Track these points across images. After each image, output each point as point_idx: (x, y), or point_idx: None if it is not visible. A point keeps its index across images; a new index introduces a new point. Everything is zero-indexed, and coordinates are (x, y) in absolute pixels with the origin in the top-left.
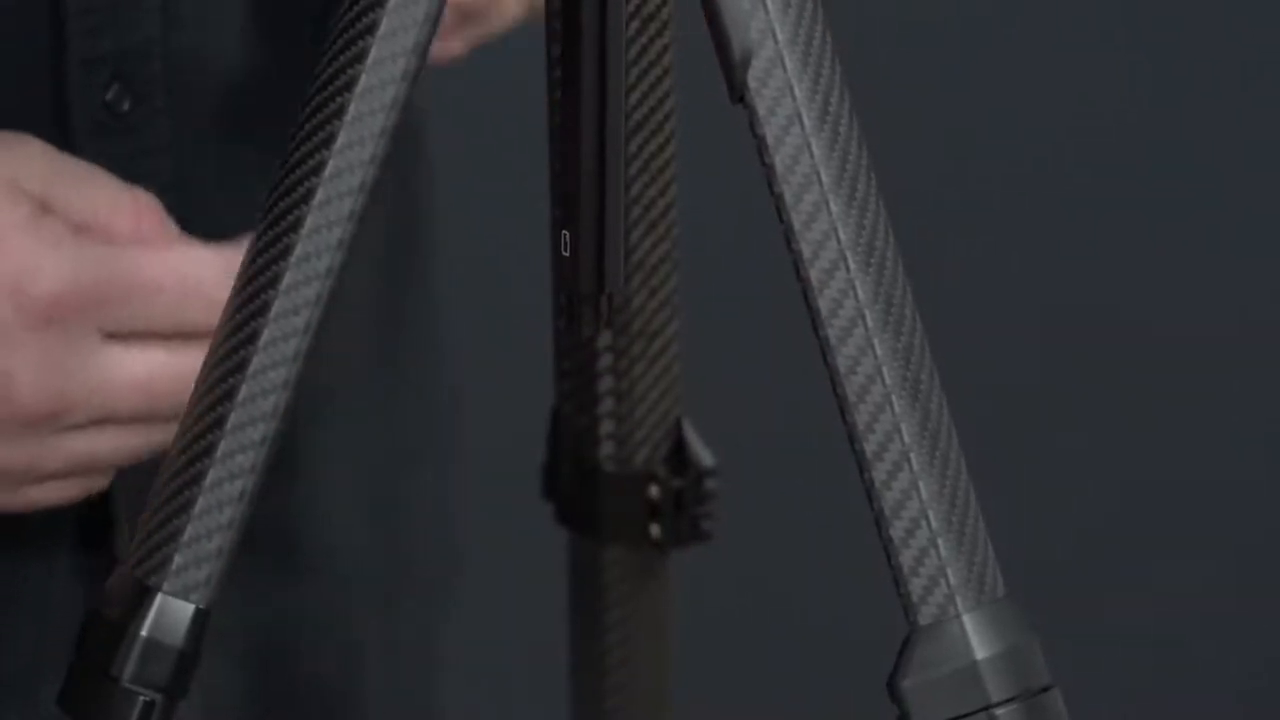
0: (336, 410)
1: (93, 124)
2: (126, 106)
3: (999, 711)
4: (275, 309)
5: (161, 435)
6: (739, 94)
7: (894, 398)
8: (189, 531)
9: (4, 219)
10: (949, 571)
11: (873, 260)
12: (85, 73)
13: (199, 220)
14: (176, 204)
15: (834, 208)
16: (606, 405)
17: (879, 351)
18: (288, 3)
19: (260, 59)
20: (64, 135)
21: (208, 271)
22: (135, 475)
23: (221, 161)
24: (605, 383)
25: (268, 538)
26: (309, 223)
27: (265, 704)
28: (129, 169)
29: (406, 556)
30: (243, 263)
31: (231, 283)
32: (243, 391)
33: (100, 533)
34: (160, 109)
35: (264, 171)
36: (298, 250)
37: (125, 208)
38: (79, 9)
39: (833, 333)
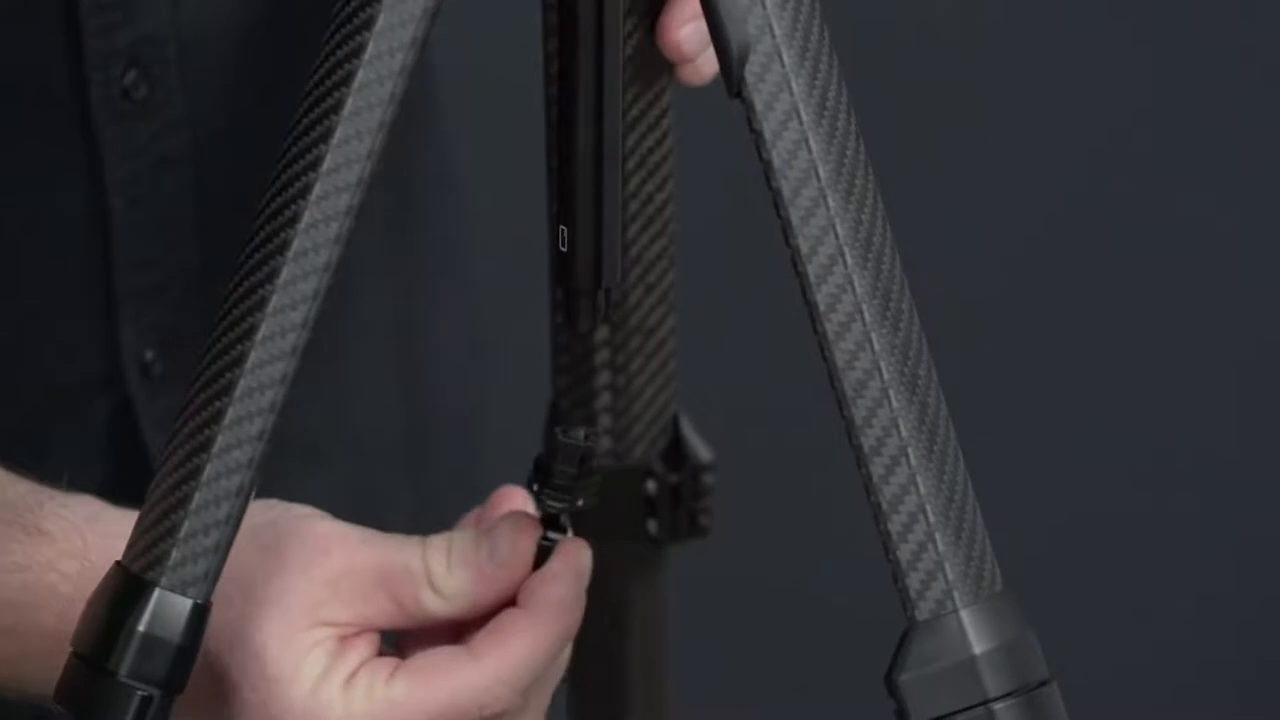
0: (357, 291)
1: (113, 111)
2: (144, 92)
3: (997, 706)
4: (273, 304)
5: None
6: (736, 89)
7: (892, 392)
8: (186, 527)
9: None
10: (947, 566)
11: (870, 255)
12: (104, 66)
13: (214, 192)
14: (197, 176)
15: (832, 202)
16: (604, 400)
17: (877, 346)
18: None
19: (265, 28)
20: (86, 125)
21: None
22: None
23: (236, 133)
24: (602, 378)
25: (296, 424)
26: (306, 218)
27: None
28: (150, 148)
29: (429, 424)
30: (241, 256)
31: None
32: (240, 387)
33: None
34: (175, 89)
35: (270, 138)
36: (295, 245)
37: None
38: (94, 6)
39: (830, 327)
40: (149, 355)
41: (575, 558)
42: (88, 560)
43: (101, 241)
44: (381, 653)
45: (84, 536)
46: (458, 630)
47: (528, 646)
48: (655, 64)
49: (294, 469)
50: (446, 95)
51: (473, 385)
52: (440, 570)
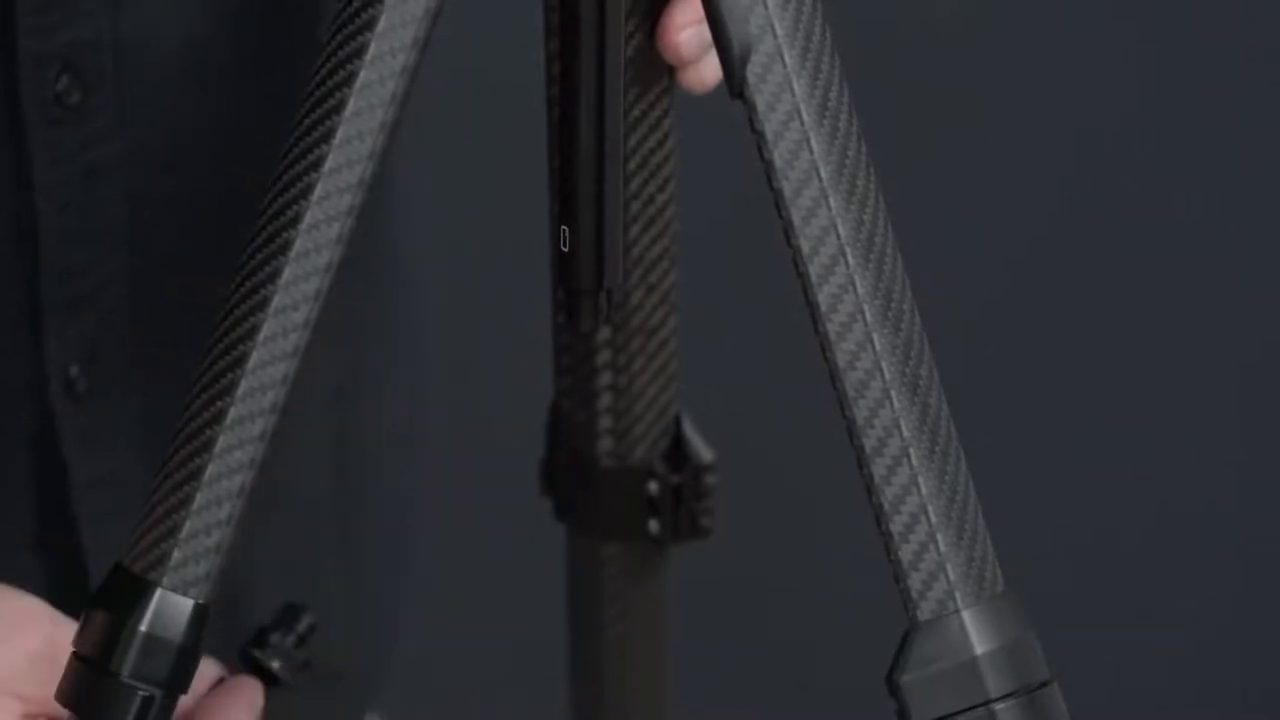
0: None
1: (43, 116)
2: (77, 98)
3: (998, 707)
4: (275, 304)
5: None
6: (738, 89)
7: (893, 392)
8: (188, 527)
9: None
10: (948, 567)
11: (872, 255)
12: (36, 68)
13: (148, 203)
14: (130, 188)
15: (833, 203)
16: (605, 401)
17: (878, 346)
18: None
19: (206, 44)
20: (15, 127)
21: None
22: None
23: (170, 146)
24: (604, 378)
25: None
26: (308, 218)
27: (221, 638)
28: (79, 157)
29: (365, 484)
30: (242, 257)
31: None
32: (242, 387)
33: (62, 533)
34: (110, 98)
35: (221, 153)
36: (297, 245)
37: None
38: (31, 7)
39: (832, 328)
40: (73, 370)
41: (250, 693)
42: None
43: (29, 248)
44: None
45: None
46: None
47: None
48: (657, 65)
49: None
50: (447, 96)
51: (410, 469)
52: None
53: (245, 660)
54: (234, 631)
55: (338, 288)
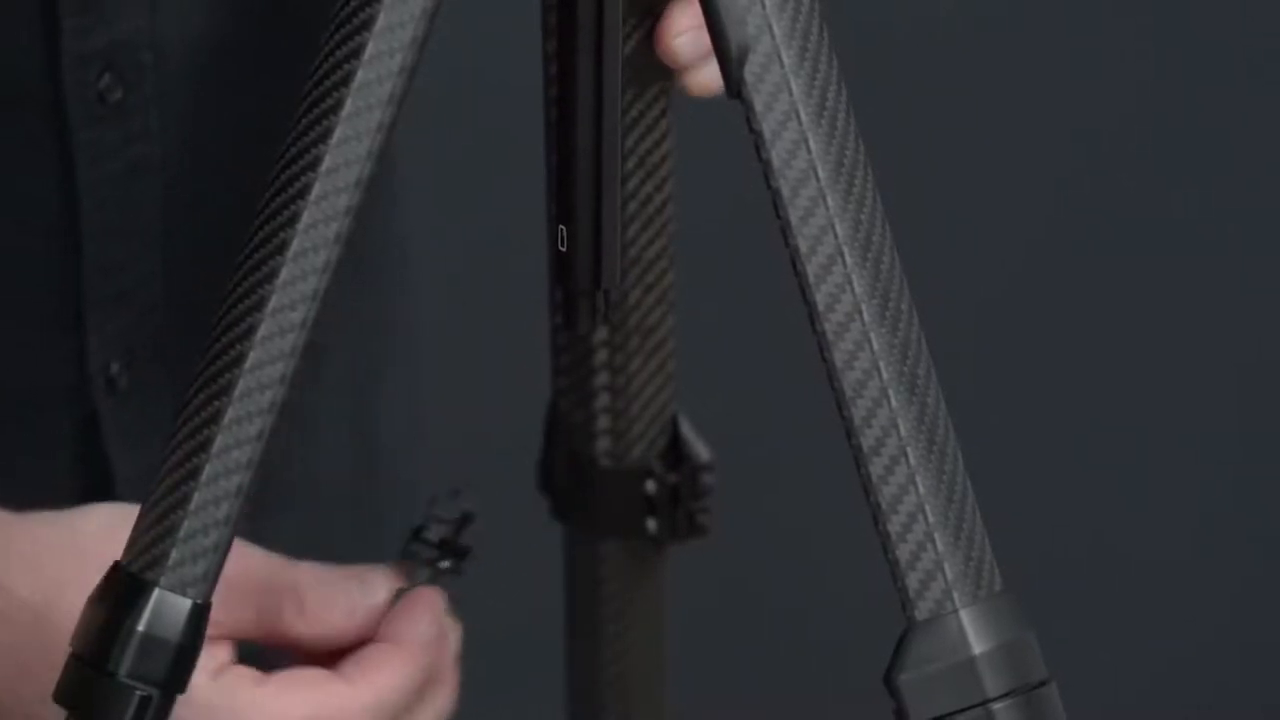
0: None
1: (86, 114)
2: (119, 95)
3: (995, 706)
4: (273, 304)
5: None
6: (736, 89)
7: (891, 392)
8: (186, 526)
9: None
10: (946, 566)
11: (870, 255)
12: (79, 67)
13: (181, 201)
14: (166, 185)
15: (831, 202)
16: (603, 400)
17: (876, 346)
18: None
19: (239, 44)
20: (59, 126)
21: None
22: None
23: (207, 146)
24: (602, 378)
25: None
26: (305, 218)
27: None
28: (121, 154)
29: (382, 475)
30: (240, 256)
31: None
32: (240, 387)
33: None
34: (150, 96)
35: (249, 151)
36: (294, 245)
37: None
38: (72, 8)
39: (830, 327)
40: (114, 368)
41: (433, 600)
42: None
43: (71, 246)
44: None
45: None
46: (305, 661)
47: (397, 677)
48: (655, 64)
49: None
50: (446, 95)
51: (414, 466)
52: (312, 595)
53: (407, 556)
54: None
55: (353, 285)
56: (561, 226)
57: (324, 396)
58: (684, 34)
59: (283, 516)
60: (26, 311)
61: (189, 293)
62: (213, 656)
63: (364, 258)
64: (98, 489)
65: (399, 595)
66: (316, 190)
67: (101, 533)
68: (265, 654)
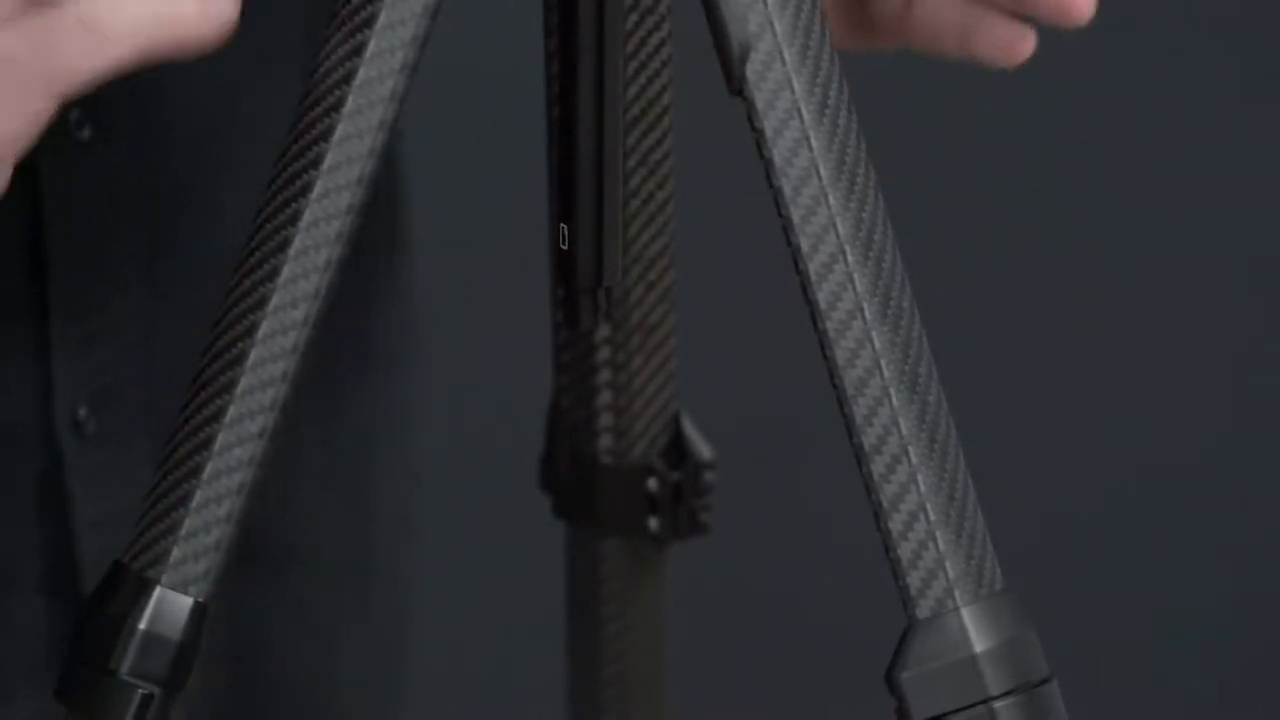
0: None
1: (56, 151)
2: (88, 133)
3: (997, 704)
4: (274, 302)
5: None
6: (737, 87)
7: (892, 390)
8: (187, 525)
9: None
10: (947, 564)
11: (871, 253)
12: None
13: (168, 243)
14: (149, 226)
15: (833, 201)
16: (604, 398)
17: (877, 344)
18: (255, 23)
19: (221, 76)
20: (29, 160)
21: None
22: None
23: (187, 180)
24: (603, 376)
25: (243, 534)
26: (307, 216)
27: (241, 699)
28: (95, 192)
29: (375, 542)
30: (242, 255)
31: None
32: (241, 384)
33: (67, 575)
34: (123, 134)
35: (231, 186)
36: (296, 244)
37: None
38: None
39: (831, 325)
40: (81, 411)
41: None
42: None
43: (38, 283)
44: None
45: None
46: None
47: None
48: (657, 60)
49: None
50: (447, 94)
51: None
52: None
53: None
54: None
55: (367, 285)
56: (563, 224)
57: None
58: None
59: (269, 580)
60: None
61: (172, 336)
62: None
63: (384, 253)
64: (59, 536)
65: None
66: (318, 188)
67: None
68: None
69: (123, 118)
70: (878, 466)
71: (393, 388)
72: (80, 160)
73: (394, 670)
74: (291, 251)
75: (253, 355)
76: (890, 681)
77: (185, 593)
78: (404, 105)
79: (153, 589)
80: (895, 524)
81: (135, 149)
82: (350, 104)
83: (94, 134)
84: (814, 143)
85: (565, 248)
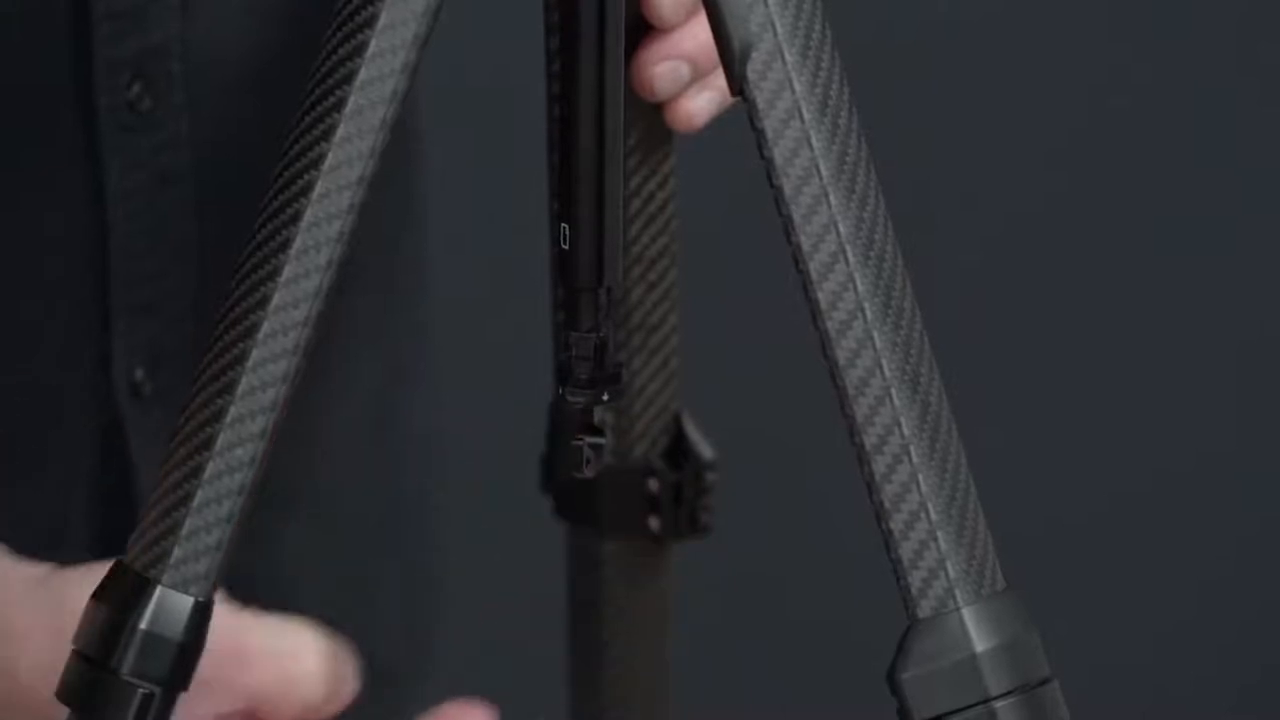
0: (332, 344)
1: (117, 122)
2: (148, 104)
3: (998, 704)
4: (275, 302)
5: None
6: (738, 87)
7: (893, 390)
8: (188, 524)
9: None
10: (949, 564)
11: (872, 253)
12: (110, 74)
13: (214, 210)
14: (198, 195)
15: (833, 200)
16: None
17: (878, 344)
18: (309, 6)
19: (272, 50)
20: (90, 134)
21: None
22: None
23: (239, 155)
24: None
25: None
26: (308, 216)
27: None
28: (152, 163)
29: (399, 484)
30: (242, 254)
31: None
32: (242, 385)
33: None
34: (180, 104)
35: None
36: (297, 243)
37: None
38: (106, 13)
39: (832, 325)
40: (139, 374)
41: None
42: None
43: (99, 253)
44: None
45: None
46: None
47: None
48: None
49: (266, 520)
50: (447, 93)
51: (433, 468)
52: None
53: None
54: None
55: (378, 288)
56: (563, 224)
57: (342, 403)
58: (662, 64)
59: (290, 525)
60: (55, 316)
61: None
62: None
63: (396, 260)
64: (119, 494)
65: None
66: (319, 188)
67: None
68: None
69: (178, 89)
70: (879, 466)
71: (417, 318)
72: (139, 131)
73: (425, 616)
74: (292, 251)
75: (254, 355)
76: (891, 681)
77: (186, 593)
78: (404, 105)
79: (153, 589)
80: (896, 524)
81: (189, 121)
82: (351, 104)
83: (153, 105)
84: (815, 143)
85: (566, 247)
